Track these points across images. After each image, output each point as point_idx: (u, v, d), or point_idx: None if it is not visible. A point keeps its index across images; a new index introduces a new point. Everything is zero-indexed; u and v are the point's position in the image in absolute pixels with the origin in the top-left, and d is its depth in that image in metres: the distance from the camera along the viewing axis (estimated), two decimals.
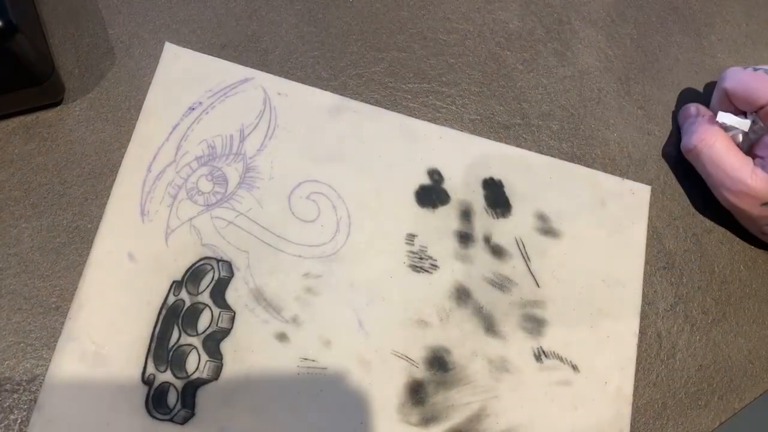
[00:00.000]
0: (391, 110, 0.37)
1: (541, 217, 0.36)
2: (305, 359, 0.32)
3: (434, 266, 0.35)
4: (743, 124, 0.36)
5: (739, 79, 0.36)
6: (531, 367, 0.34)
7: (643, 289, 0.36)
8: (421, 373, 0.33)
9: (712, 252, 0.38)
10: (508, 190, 0.37)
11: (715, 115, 0.37)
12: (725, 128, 0.36)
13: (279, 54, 0.37)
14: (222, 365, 0.31)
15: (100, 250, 0.32)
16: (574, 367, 0.34)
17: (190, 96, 0.35)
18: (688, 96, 0.41)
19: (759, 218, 0.35)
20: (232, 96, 0.35)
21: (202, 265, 0.32)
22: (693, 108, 0.38)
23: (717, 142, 0.35)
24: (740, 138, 0.36)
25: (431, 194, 0.36)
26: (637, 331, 0.35)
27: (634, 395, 0.35)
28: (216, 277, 0.32)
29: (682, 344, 0.36)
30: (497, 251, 0.35)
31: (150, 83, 0.35)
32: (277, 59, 0.37)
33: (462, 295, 0.34)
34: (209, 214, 0.33)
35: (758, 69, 0.35)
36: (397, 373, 0.33)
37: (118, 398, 0.30)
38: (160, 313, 0.31)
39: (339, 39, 0.38)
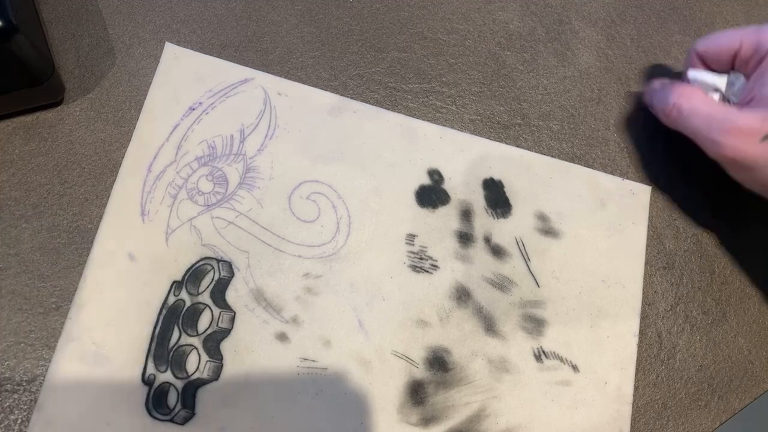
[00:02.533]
0: (391, 110, 0.37)
1: (541, 217, 0.36)
2: (305, 359, 0.32)
3: (434, 266, 0.35)
4: (718, 81, 0.34)
5: (708, 38, 0.35)
6: (531, 367, 0.34)
7: (643, 289, 0.36)
8: (421, 373, 0.33)
9: (712, 252, 0.38)
10: (508, 190, 0.37)
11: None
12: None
13: (279, 54, 0.37)
14: (222, 365, 0.31)
15: (100, 250, 0.32)
16: (574, 367, 0.34)
17: (190, 96, 0.35)
18: None
19: (761, 158, 0.32)
20: (232, 96, 0.35)
21: (202, 265, 0.32)
22: (657, 83, 0.37)
23: (695, 94, 0.34)
24: (717, 99, 0.35)
25: (431, 194, 0.36)
26: (637, 331, 0.35)
27: (634, 395, 0.35)
28: (216, 277, 0.32)
29: (682, 344, 0.36)
30: (497, 251, 0.35)
31: (150, 83, 0.35)
32: (277, 59, 0.37)
33: (462, 295, 0.34)
34: (209, 214, 0.33)
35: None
36: (397, 373, 0.33)
37: (118, 398, 0.30)
38: (160, 313, 0.31)
39: (339, 39, 0.38)
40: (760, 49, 0.33)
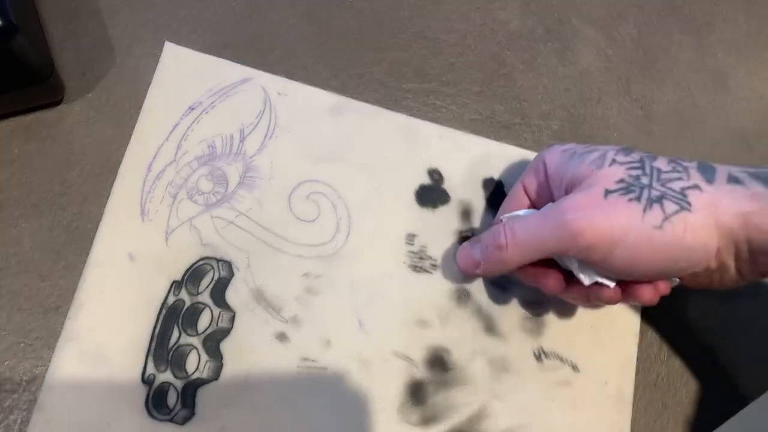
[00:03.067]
0: (391, 110, 0.37)
1: None
2: (305, 359, 0.32)
3: (434, 266, 0.35)
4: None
5: (504, 205, 0.33)
6: (531, 367, 0.34)
7: None
8: (421, 373, 0.33)
9: None
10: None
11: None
12: None
13: (279, 54, 0.37)
14: (222, 365, 0.31)
15: (100, 250, 0.32)
16: (574, 367, 0.34)
17: (190, 96, 0.35)
18: (687, 95, 0.41)
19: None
20: (232, 96, 0.35)
21: (202, 265, 0.32)
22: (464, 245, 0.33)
23: (513, 218, 0.31)
24: None
25: (431, 194, 0.36)
26: (638, 331, 0.35)
27: (634, 395, 0.35)
28: (216, 277, 0.32)
29: (682, 344, 0.36)
30: None
31: (150, 83, 0.35)
32: (277, 59, 0.37)
33: (462, 295, 0.34)
34: (209, 213, 0.33)
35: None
36: (397, 373, 0.33)
37: (118, 398, 0.30)
38: (160, 313, 0.31)
39: (339, 39, 0.38)
40: (539, 175, 0.31)
